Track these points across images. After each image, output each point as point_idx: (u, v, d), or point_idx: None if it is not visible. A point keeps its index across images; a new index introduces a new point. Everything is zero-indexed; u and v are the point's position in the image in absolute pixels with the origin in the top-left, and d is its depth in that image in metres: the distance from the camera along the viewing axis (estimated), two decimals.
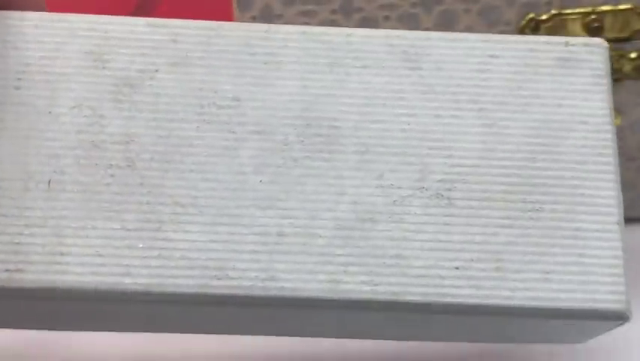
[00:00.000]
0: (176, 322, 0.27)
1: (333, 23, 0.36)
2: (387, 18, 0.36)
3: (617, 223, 0.25)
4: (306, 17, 0.36)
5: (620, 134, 0.39)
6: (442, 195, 0.25)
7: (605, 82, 0.26)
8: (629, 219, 0.45)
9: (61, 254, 0.23)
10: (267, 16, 0.36)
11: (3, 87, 0.25)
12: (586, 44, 0.27)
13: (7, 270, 0.23)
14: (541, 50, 0.26)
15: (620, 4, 0.36)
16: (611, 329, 0.25)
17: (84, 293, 0.23)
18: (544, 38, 0.27)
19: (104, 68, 0.25)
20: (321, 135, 0.25)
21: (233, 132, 0.25)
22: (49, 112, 0.25)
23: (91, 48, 0.25)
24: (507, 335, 0.27)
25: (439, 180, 0.25)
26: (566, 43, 0.27)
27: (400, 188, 0.25)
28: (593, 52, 0.27)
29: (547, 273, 0.24)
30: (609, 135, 0.26)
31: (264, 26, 0.26)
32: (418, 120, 0.25)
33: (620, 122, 0.39)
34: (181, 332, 0.29)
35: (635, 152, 0.41)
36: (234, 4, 0.35)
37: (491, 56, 0.26)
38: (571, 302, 0.24)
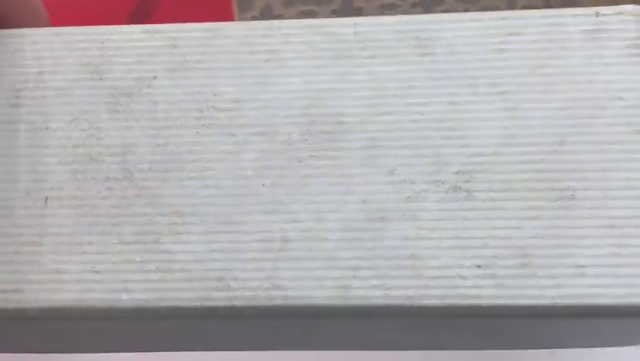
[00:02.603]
0: (181, 339, 0.26)
1: None
2: None
3: None
4: (307, 17, 0.36)
5: None
6: (460, 188, 0.23)
7: None
8: None
9: (58, 272, 0.23)
10: (267, 17, 0.36)
11: (1, 106, 0.24)
12: (619, 12, 0.24)
13: (4, 291, 0.23)
14: (567, 24, 0.24)
15: (620, 4, 0.34)
16: None
17: (80, 312, 0.22)
18: (570, 11, 0.24)
19: (100, 79, 0.24)
20: (326, 132, 0.24)
21: (234, 135, 0.24)
22: (47, 128, 0.24)
23: (88, 60, 0.25)
24: (544, 340, 0.25)
25: (456, 172, 0.23)
26: (597, 14, 0.24)
27: (413, 183, 0.23)
28: (627, 20, 0.24)
29: (581, 267, 0.22)
30: None
31: (266, 23, 0.25)
32: (431, 109, 0.24)
33: None
34: (187, 350, 0.28)
35: None
36: (234, 5, 0.35)
37: (511, 34, 0.24)
38: (608, 298, 0.22)
